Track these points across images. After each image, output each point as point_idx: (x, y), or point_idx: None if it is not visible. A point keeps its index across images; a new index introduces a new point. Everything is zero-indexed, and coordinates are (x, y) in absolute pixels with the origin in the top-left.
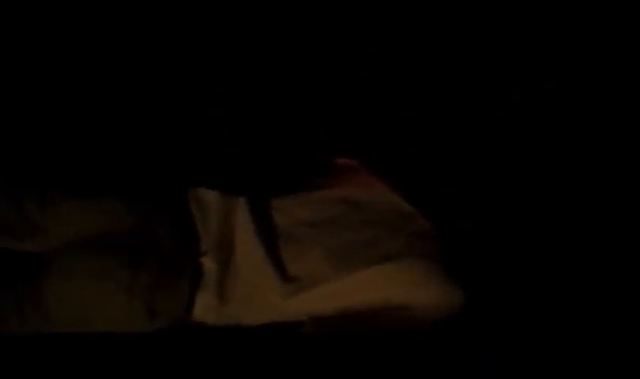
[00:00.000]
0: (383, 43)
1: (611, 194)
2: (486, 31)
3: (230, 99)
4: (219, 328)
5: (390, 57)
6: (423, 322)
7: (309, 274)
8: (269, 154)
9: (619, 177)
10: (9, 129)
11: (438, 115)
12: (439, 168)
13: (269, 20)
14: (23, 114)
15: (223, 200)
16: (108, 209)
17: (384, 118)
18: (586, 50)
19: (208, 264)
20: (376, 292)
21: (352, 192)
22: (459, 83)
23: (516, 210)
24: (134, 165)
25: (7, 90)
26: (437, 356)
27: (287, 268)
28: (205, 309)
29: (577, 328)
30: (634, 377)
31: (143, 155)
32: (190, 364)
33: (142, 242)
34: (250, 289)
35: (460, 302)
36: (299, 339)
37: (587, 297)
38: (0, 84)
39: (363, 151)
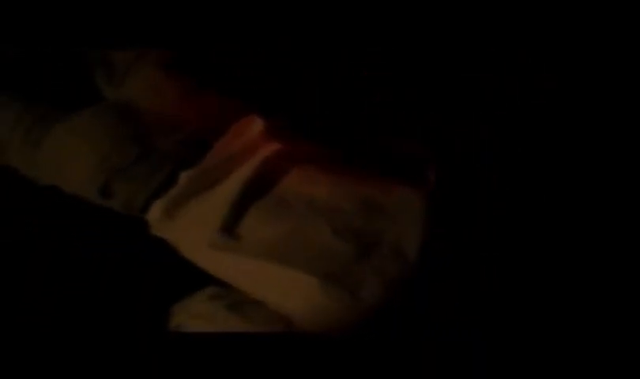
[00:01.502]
0: (383, 42)
1: (612, 194)
2: (486, 31)
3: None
4: None
5: (390, 57)
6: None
7: (254, 243)
8: None
9: (619, 177)
10: None
11: (437, 116)
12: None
13: (268, 20)
14: None
15: (262, 133)
16: (178, 84)
17: (384, 119)
18: (586, 50)
19: (184, 179)
20: (284, 299)
21: (383, 194)
22: (459, 83)
23: (516, 210)
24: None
25: None
26: (436, 357)
27: (243, 225)
28: (153, 215)
29: (578, 329)
30: (634, 377)
31: None
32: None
33: (151, 129)
34: (196, 221)
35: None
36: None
37: (587, 297)
38: None
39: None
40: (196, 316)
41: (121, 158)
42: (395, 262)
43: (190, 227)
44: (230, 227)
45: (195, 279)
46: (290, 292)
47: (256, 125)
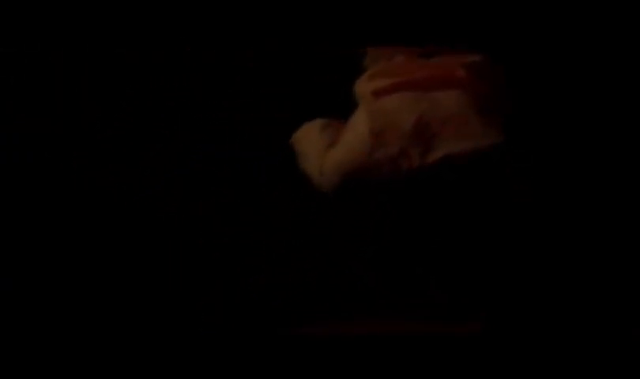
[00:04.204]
0: (383, 42)
1: (612, 195)
2: (486, 31)
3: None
4: None
5: None
6: None
7: (377, 105)
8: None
9: (619, 177)
10: None
11: None
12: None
13: (268, 19)
14: None
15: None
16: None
17: None
18: (586, 50)
19: (396, 59)
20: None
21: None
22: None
23: (515, 211)
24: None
25: None
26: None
27: (386, 99)
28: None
29: (579, 328)
30: (634, 377)
31: (142, 155)
32: None
33: None
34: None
35: None
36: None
37: (587, 297)
38: None
39: None
40: (305, 128)
41: None
42: (417, 149)
43: (368, 85)
44: (379, 92)
45: None
46: (355, 126)
47: (457, 58)
